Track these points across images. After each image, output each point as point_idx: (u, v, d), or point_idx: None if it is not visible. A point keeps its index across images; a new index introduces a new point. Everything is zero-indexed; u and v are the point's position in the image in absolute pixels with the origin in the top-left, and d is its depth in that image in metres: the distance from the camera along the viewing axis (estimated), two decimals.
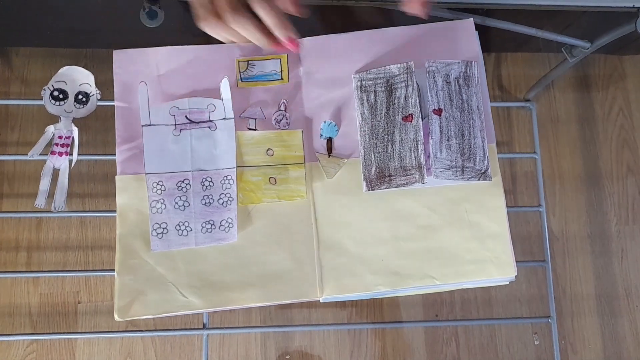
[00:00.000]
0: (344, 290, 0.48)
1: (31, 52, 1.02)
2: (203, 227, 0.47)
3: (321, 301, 0.48)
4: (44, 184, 0.50)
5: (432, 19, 0.54)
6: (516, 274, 0.49)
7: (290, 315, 0.95)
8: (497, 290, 1.01)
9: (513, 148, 1.08)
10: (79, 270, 0.96)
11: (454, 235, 0.50)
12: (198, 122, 0.49)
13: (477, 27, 0.59)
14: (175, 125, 0.48)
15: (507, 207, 0.50)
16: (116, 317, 0.46)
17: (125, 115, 0.49)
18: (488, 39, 1.08)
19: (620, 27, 0.64)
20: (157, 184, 0.47)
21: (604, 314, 1.02)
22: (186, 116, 0.49)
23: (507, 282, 0.50)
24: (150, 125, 0.48)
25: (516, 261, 0.50)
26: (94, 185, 0.98)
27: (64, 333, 0.93)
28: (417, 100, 0.49)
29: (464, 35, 0.53)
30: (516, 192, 1.05)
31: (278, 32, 0.43)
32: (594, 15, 0.61)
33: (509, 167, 1.06)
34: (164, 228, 0.47)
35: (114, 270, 0.49)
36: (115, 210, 0.48)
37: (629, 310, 1.03)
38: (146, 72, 0.50)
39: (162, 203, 0.47)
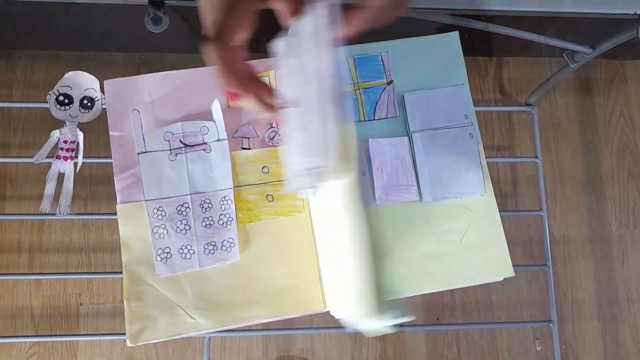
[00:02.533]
0: None
1: (35, 55, 1.03)
2: (205, 248, 0.48)
3: (330, 312, 0.49)
4: (49, 188, 0.51)
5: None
6: (513, 271, 0.50)
7: (292, 318, 0.95)
8: (499, 294, 1.01)
9: (514, 152, 1.08)
10: (81, 273, 0.96)
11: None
12: (193, 146, 0.49)
13: (480, 32, 0.59)
14: (170, 150, 0.49)
15: (508, 211, 0.52)
16: (128, 344, 0.47)
17: (120, 144, 0.49)
18: (490, 44, 1.09)
19: (621, 34, 0.64)
20: (158, 210, 0.48)
21: (605, 318, 1.02)
22: (181, 140, 0.49)
23: (510, 276, 0.51)
24: (146, 152, 0.49)
25: (517, 265, 0.51)
26: (96, 187, 0.98)
27: (65, 335, 0.93)
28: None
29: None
30: (517, 196, 1.05)
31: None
32: (596, 21, 0.61)
33: (510, 171, 1.06)
34: (167, 253, 0.48)
35: (116, 272, 0.49)
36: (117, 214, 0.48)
37: (630, 315, 1.03)
38: (138, 100, 0.50)
39: (163, 228, 0.48)
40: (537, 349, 0.99)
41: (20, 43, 1.02)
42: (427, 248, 0.50)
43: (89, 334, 0.94)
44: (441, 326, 0.99)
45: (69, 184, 0.51)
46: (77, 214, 0.97)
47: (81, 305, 0.94)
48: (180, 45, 0.98)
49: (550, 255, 0.76)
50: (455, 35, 0.55)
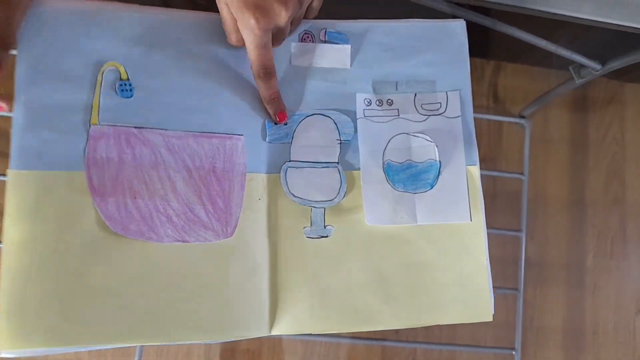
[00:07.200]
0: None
1: None
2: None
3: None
4: None
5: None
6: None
7: None
8: None
9: (498, 164, 1.02)
10: None
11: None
12: None
13: (479, 29, 0.52)
14: None
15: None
16: None
17: None
18: (489, 44, 1.01)
19: (636, 52, 0.57)
20: None
21: (569, 349, 0.98)
22: None
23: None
24: None
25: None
26: None
27: None
28: None
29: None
30: (495, 212, 0.99)
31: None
32: (608, 34, 0.54)
33: (492, 183, 1.00)
34: None
35: None
36: None
37: (594, 348, 0.99)
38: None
39: None
40: None
41: None
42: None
43: None
44: (398, 342, 0.93)
45: None
46: None
47: None
48: None
49: (523, 280, 0.70)
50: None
